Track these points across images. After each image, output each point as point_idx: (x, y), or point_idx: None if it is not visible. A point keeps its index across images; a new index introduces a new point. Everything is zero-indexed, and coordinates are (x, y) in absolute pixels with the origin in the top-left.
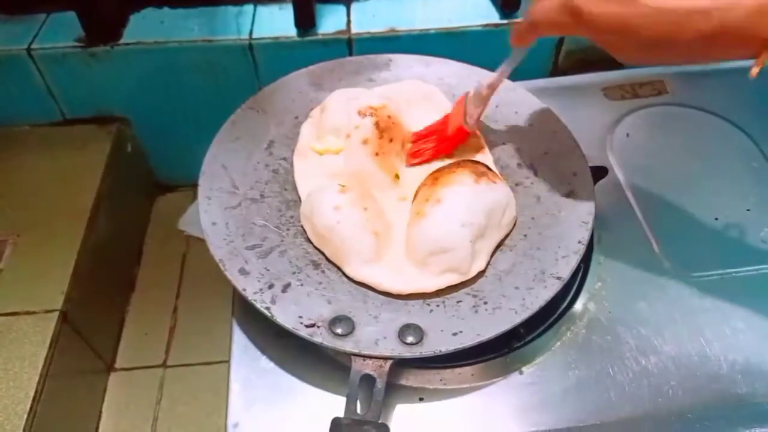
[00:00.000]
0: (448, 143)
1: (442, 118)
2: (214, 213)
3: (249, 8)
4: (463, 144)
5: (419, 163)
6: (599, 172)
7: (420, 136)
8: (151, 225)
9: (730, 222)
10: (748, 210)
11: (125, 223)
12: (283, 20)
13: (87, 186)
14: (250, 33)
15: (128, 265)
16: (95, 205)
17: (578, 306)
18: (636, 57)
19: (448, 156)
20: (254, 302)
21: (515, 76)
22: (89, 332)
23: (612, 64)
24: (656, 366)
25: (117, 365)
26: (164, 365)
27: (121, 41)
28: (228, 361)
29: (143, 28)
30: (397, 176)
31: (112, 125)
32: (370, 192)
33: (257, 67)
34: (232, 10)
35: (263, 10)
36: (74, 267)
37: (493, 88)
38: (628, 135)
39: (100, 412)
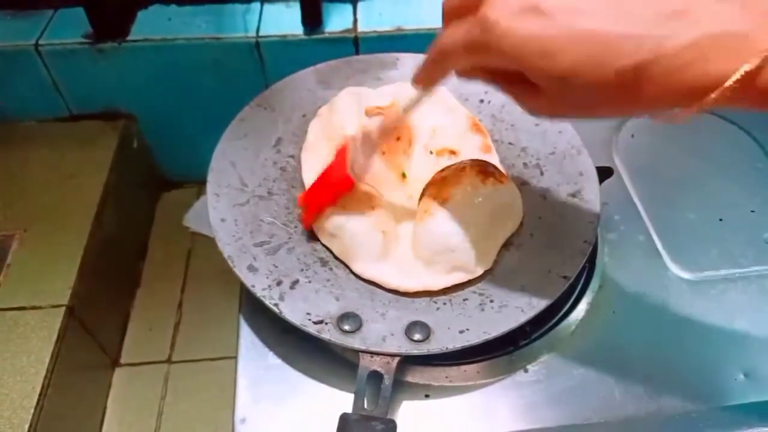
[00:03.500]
0: (330, 194)
1: (324, 169)
2: (223, 210)
3: (256, 6)
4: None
5: (310, 221)
6: (605, 173)
7: (307, 195)
8: (157, 221)
9: (734, 223)
10: (752, 211)
11: (131, 219)
12: (290, 18)
13: (93, 182)
14: (257, 31)
15: (134, 261)
16: (102, 201)
17: (583, 305)
18: (555, 96)
19: (454, 158)
20: (263, 299)
21: None
22: (95, 327)
23: None
24: (660, 365)
25: (122, 360)
26: (169, 361)
27: (129, 38)
28: (235, 357)
29: (151, 24)
30: (404, 175)
31: (119, 121)
32: (378, 190)
33: (264, 65)
34: (239, 8)
35: (270, 8)
36: (81, 262)
37: (386, 134)
38: (633, 136)
39: (105, 406)
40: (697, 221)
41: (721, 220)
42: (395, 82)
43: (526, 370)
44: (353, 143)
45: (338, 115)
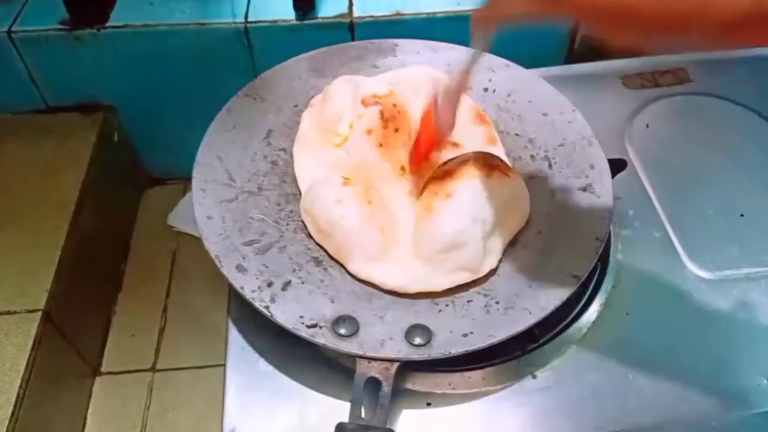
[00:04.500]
0: (421, 156)
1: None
2: (210, 206)
3: None
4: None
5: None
6: (617, 165)
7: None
8: (139, 220)
9: (756, 218)
10: None
11: (112, 218)
12: (280, 3)
13: (71, 178)
14: (246, 16)
15: (115, 262)
16: (80, 198)
17: (595, 306)
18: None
19: (457, 150)
20: (252, 301)
21: (529, 63)
22: (74, 333)
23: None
24: (678, 370)
25: (103, 369)
26: (153, 369)
27: (108, 24)
28: (223, 364)
29: (131, 10)
30: (403, 168)
31: (98, 113)
32: (375, 185)
33: (253, 53)
34: None
35: None
36: (58, 264)
37: (461, 87)
38: (647, 126)
39: (85, 418)
40: (716, 217)
41: (742, 215)
42: (393, 69)
43: (534, 377)
44: (435, 103)
45: (332, 105)
